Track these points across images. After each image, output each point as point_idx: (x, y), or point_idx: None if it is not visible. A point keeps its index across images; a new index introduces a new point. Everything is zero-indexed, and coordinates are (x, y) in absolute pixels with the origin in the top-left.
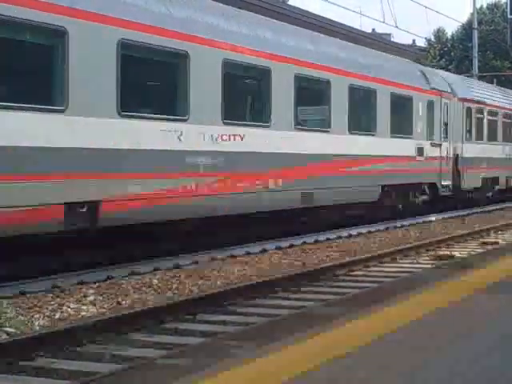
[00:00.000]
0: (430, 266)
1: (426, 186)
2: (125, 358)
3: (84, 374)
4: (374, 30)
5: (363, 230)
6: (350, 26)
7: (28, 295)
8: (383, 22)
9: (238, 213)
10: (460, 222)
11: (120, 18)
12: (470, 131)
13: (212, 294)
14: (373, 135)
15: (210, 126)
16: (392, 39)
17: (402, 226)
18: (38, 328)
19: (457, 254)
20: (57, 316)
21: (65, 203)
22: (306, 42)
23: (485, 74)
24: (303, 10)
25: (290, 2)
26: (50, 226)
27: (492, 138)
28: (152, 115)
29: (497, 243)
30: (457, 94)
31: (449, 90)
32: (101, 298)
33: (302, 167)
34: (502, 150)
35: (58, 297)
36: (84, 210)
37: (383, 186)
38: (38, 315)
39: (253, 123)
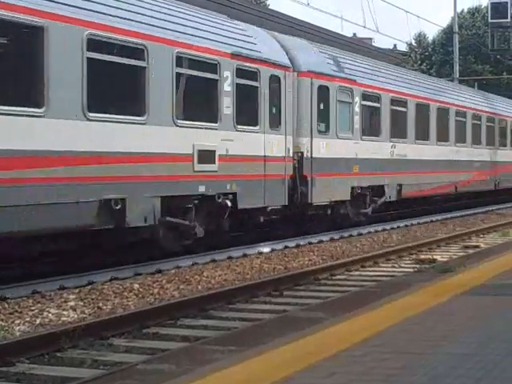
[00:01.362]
0: (411, 269)
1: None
2: (106, 363)
3: (65, 379)
4: (355, 34)
5: (345, 233)
6: (330, 31)
7: (8, 300)
8: (364, 27)
9: None
10: (441, 225)
11: None
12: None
13: (193, 299)
14: None
15: None
16: (373, 44)
17: (384, 230)
18: (18, 333)
19: (438, 257)
20: (37, 321)
21: None
22: None
23: (466, 78)
24: (283, 14)
25: (271, 7)
26: None
27: (372, 131)
28: None
29: (478, 247)
30: (300, 66)
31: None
32: (82, 303)
33: None
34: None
35: (38, 302)
36: None
37: None
38: (18, 321)
39: None
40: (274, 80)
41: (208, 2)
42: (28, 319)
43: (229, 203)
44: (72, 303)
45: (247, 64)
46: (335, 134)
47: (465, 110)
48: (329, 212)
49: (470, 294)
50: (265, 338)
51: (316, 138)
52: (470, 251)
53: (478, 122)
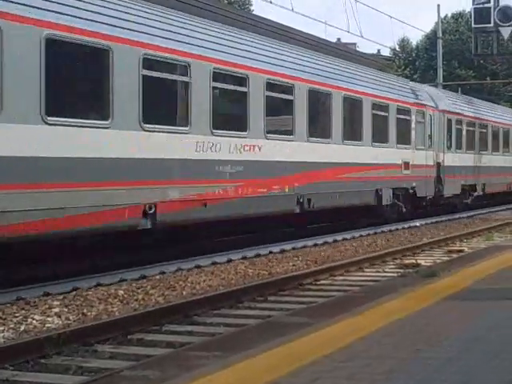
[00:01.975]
0: (395, 274)
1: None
2: (91, 370)
3: None
4: (339, 39)
5: (329, 238)
6: (314, 36)
7: None
8: (348, 32)
9: None
10: (425, 230)
11: None
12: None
13: (178, 305)
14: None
15: None
16: (357, 49)
17: (368, 235)
18: (2, 340)
19: (422, 262)
20: (22, 328)
21: None
22: None
23: (449, 83)
24: (267, 20)
25: (254, 12)
26: None
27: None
28: None
29: (462, 251)
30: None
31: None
32: (66, 309)
33: None
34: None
35: (22, 309)
36: None
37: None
38: (2, 327)
39: None
40: None
41: (190, 7)
42: (12, 326)
43: None
44: (56, 309)
45: None
46: None
47: (224, 66)
48: None
49: (454, 299)
50: (249, 343)
51: None
52: (454, 255)
53: (275, 95)
